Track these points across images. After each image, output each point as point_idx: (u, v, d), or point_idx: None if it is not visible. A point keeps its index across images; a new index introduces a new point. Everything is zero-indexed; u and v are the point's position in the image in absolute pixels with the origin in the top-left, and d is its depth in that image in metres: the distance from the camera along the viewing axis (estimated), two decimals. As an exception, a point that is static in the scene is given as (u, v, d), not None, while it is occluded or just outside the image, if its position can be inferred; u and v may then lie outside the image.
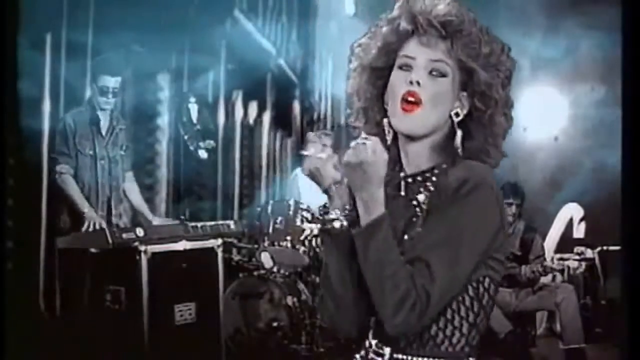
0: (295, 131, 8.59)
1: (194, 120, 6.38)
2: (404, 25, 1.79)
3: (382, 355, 1.80)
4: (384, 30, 1.82)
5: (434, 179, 1.79)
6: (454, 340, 1.75)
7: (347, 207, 1.75)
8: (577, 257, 5.84)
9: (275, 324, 5.37)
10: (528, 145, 7.37)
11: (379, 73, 1.84)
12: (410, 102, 1.75)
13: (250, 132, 7.90)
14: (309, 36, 8.37)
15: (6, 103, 4.28)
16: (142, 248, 4.40)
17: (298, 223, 5.65)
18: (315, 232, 5.52)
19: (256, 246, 5.75)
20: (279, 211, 5.77)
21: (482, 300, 1.74)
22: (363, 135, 1.74)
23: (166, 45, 6.18)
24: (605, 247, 6.30)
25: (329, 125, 8.32)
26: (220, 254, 4.85)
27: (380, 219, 1.68)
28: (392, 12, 1.82)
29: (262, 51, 7.87)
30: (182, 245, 4.66)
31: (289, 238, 5.64)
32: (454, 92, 1.78)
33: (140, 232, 4.50)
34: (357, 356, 1.87)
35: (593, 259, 6.40)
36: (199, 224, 4.88)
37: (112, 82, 5.06)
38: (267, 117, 8.13)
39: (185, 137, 6.23)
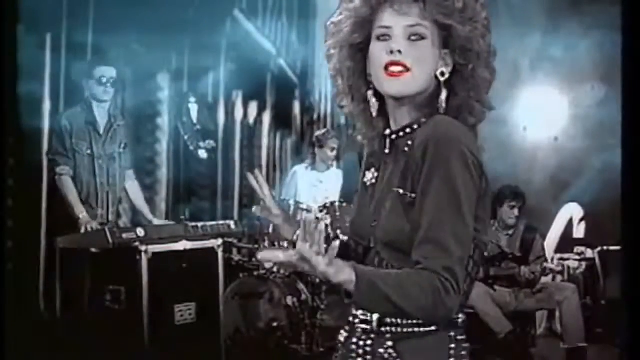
0: (295, 131, 8.60)
1: (194, 120, 6.38)
2: None
3: (369, 323, 1.81)
4: (356, 3, 1.82)
5: (414, 135, 1.79)
6: None
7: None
8: (577, 257, 5.84)
9: (275, 324, 5.37)
10: (528, 145, 7.37)
11: (357, 47, 1.85)
12: (395, 71, 1.76)
13: (250, 132, 7.90)
14: (309, 36, 8.37)
15: (6, 103, 4.29)
16: (143, 248, 4.40)
17: (298, 223, 5.64)
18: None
19: (256, 246, 5.75)
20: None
21: (467, 267, 1.71)
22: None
23: (166, 45, 6.19)
24: (605, 247, 6.30)
25: (329, 126, 8.31)
26: (220, 254, 4.85)
27: (351, 281, 1.62)
28: None
29: (262, 51, 7.87)
30: (182, 245, 4.66)
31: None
32: (436, 52, 1.79)
33: (140, 232, 4.50)
34: (343, 332, 1.90)
35: (593, 259, 6.41)
36: (199, 224, 4.87)
37: (108, 71, 5.03)
38: (267, 117, 8.14)
39: (186, 137, 6.24)
